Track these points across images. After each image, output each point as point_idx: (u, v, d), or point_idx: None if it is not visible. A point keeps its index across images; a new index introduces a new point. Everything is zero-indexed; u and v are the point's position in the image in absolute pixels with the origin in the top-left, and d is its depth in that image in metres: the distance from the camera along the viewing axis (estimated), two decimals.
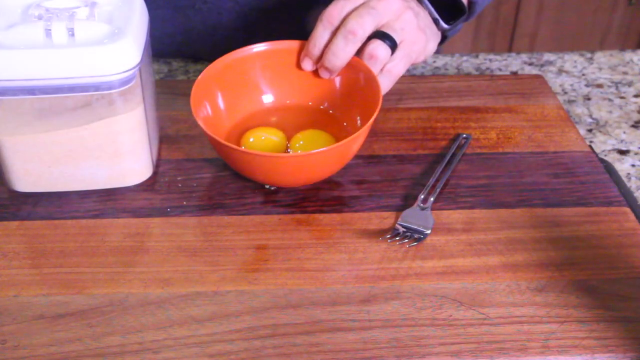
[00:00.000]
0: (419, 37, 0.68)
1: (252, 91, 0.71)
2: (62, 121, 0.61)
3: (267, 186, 0.65)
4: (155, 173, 0.66)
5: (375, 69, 0.65)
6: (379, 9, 0.65)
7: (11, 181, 0.63)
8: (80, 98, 0.59)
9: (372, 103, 0.63)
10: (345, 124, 0.69)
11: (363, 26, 0.64)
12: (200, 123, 0.61)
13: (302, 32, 0.88)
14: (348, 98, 0.69)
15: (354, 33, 0.63)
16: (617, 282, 0.56)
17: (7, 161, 0.62)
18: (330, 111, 0.71)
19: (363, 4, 0.66)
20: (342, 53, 0.64)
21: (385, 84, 0.67)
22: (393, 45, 0.65)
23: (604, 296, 0.55)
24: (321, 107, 0.71)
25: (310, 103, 0.71)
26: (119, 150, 0.63)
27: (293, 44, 0.70)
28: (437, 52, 0.96)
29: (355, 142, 0.61)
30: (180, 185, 0.66)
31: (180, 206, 0.63)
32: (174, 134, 0.72)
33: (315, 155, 0.60)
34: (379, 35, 0.65)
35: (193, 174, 0.67)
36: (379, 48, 0.65)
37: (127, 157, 0.63)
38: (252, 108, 0.70)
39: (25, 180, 0.63)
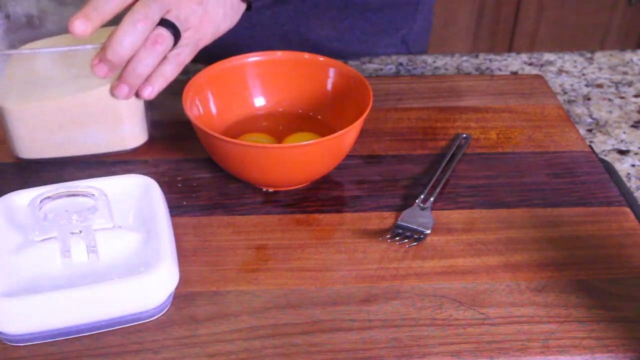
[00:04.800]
0: (207, 24, 0.68)
1: (244, 98, 0.71)
2: (67, 88, 0.64)
3: (264, 189, 0.65)
4: (155, 173, 0.67)
5: (158, 56, 0.64)
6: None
7: (16, 149, 0.66)
8: (84, 65, 0.62)
9: (363, 107, 0.63)
10: (335, 129, 0.69)
11: (148, 15, 0.62)
12: (193, 120, 0.61)
13: (285, 36, 0.88)
14: (339, 104, 0.69)
15: (140, 21, 0.61)
16: (617, 282, 0.56)
17: (14, 129, 0.65)
18: (320, 117, 0.71)
19: None
20: (127, 39, 0.61)
21: (169, 70, 0.66)
22: (176, 34, 0.64)
23: (604, 296, 0.55)
24: (310, 113, 0.72)
25: (300, 110, 0.72)
26: (119, 115, 0.66)
27: (285, 55, 0.71)
28: (437, 52, 0.96)
29: (347, 136, 0.61)
30: (180, 185, 0.66)
31: (180, 206, 0.63)
32: (174, 133, 0.72)
33: (307, 147, 0.60)
34: (163, 23, 0.64)
35: (193, 174, 0.67)
36: (162, 36, 0.63)
37: (126, 121, 0.67)
38: (243, 114, 0.71)
39: (30, 148, 0.66)
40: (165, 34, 0.64)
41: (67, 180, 0.59)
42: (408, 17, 0.94)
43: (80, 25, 0.59)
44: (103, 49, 0.61)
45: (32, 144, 0.66)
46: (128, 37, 0.61)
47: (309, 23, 0.88)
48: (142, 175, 0.60)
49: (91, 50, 0.62)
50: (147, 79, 0.65)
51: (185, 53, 0.67)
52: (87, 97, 0.64)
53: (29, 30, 0.69)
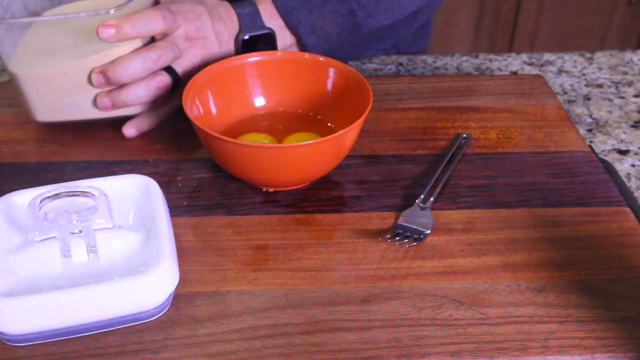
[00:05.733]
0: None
1: (244, 98, 0.71)
2: (68, 55, 0.67)
3: (265, 189, 0.65)
4: (155, 173, 0.67)
5: (153, 97, 0.68)
6: (182, 49, 0.69)
7: (32, 112, 0.71)
8: (84, 33, 0.67)
9: (363, 107, 0.63)
10: (335, 129, 0.69)
11: (162, 59, 0.67)
12: (193, 120, 0.61)
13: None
14: (339, 104, 0.69)
15: (153, 61, 0.66)
16: (617, 282, 0.56)
17: (26, 94, 0.69)
18: (320, 117, 0.71)
19: (170, 38, 0.68)
20: (132, 68, 0.65)
21: (156, 117, 0.71)
22: (177, 84, 0.69)
23: (604, 296, 0.55)
24: (310, 113, 0.72)
25: (300, 110, 0.72)
26: None
27: (285, 55, 0.71)
28: (437, 52, 0.96)
29: (347, 136, 0.61)
30: (180, 185, 0.66)
31: (180, 206, 0.63)
32: (175, 134, 0.72)
33: (308, 147, 0.60)
34: (171, 71, 0.69)
35: (193, 174, 0.67)
36: (166, 84, 0.68)
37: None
38: (243, 114, 0.71)
39: (42, 111, 0.70)
40: (169, 82, 0.69)
41: (67, 180, 0.59)
42: (406, 25, 0.94)
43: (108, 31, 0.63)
44: (109, 64, 0.66)
45: (43, 107, 0.70)
46: (134, 67, 0.66)
47: None
48: (142, 175, 0.60)
49: (85, 18, 0.64)
50: (133, 120, 0.70)
51: (175, 104, 0.71)
52: (86, 63, 0.67)
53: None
